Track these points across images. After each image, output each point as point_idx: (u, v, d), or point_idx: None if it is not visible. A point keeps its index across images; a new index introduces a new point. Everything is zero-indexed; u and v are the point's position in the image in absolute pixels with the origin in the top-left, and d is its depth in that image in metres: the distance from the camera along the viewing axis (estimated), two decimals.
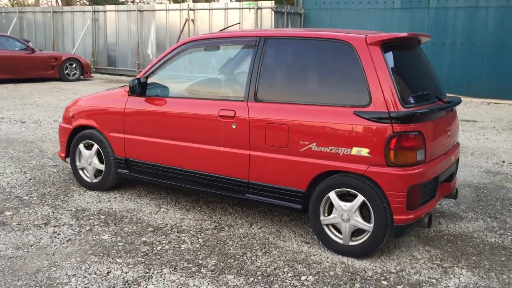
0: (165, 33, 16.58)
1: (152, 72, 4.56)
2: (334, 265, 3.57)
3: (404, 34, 3.68)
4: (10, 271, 3.38)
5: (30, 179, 5.37)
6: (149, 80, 4.56)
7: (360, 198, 3.57)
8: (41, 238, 3.92)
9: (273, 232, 4.13)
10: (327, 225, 3.77)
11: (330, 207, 3.76)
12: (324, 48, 3.80)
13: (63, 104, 10.46)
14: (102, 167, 4.89)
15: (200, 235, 4.04)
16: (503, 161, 6.68)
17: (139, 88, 4.44)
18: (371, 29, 13.68)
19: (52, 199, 4.77)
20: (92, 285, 3.23)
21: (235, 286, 3.26)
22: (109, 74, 18.03)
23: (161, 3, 17.28)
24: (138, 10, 16.96)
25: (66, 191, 5.00)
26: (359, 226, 3.61)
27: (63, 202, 4.70)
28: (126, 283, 3.26)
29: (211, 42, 4.43)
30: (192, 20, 15.82)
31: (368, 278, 3.40)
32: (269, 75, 3.97)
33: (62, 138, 5.19)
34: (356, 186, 3.57)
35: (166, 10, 16.63)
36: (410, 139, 3.44)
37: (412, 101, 3.60)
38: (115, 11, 17.63)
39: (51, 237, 3.93)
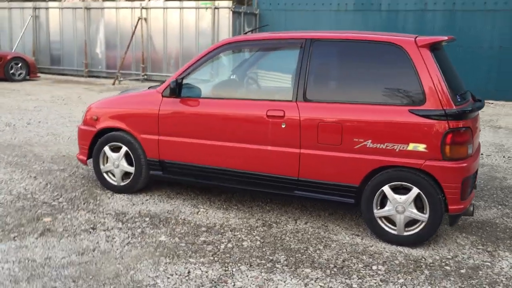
0: (116, 32, 16.16)
1: (188, 73, 4.58)
2: (394, 254, 3.81)
3: (445, 37, 3.98)
4: (90, 276, 3.33)
5: (46, 184, 5.18)
6: (184, 81, 4.57)
7: (415, 191, 3.83)
8: (97, 242, 3.86)
9: (320, 226, 4.31)
10: (380, 218, 4.00)
11: (382, 200, 3.99)
12: (375, 50, 4.03)
13: (25, 106, 10.03)
14: (130, 169, 4.83)
15: (253, 232, 4.14)
16: (481, 153, 7.25)
17: (179, 90, 4.44)
18: (325, 29, 14.18)
19: (84, 204, 4.66)
20: (180, 285, 3.26)
21: (317, 278, 3.41)
22: (53, 74, 17.27)
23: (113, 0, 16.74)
24: (85, 8, 16.39)
25: (93, 195, 4.89)
26: (414, 217, 3.87)
27: (97, 206, 4.61)
28: (213, 281, 3.32)
29: (252, 44, 4.53)
30: (145, 19, 15.55)
31: (431, 265, 3.67)
32: (318, 76, 4.15)
33: (83, 141, 5.06)
34: (411, 179, 3.83)
35: (116, 8, 16.21)
36: (462, 134, 3.75)
37: (459, 99, 3.91)
38: (59, 8, 16.93)
39: (107, 241, 3.88)
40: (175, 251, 3.74)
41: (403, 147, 3.82)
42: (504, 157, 7.02)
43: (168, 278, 3.35)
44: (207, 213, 4.54)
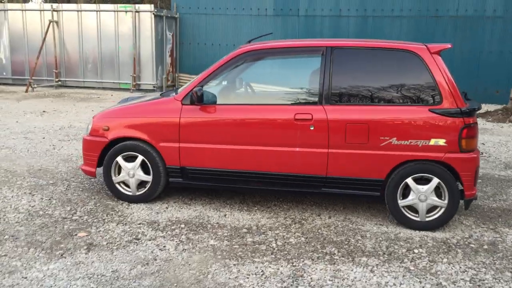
0: (23, 36, 15.17)
1: (207, 81, 4.69)
2: (423, 239, 4.29)
3: (449, 45, 4.54)
4: (174, 284, 3.37)
5: (49, 199, 4.96)
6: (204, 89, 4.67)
7: (435, 181, 4.34)
8: (152, 252, 3.87)
9: (344, 219, 4.67)
10: (403, 207, 4.46)
11: (404, 191, 4.45)
12: (392, 56, 4.48)
13: None
14: (147, 178, 4.81)
15: (291, 230, 4.39)
16: None
17: (201, 98, 4.54)
18: (246, 35, 14.62)
19: (107, 216, 4.57)
20: (264, 283, 3.43)
21: (377, 265, 3.77)
22: None
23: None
24: None
25: (109, 207, 4.80)
26: (435, 204, 4.38)
27: (123, 218, 4.55)
28: (290, 277, 3.53)
29: (273, 52, 4.76)
30: (56, 22, 14.80)
31: (458, 244, 4.20)
32: (342, 80, 4.49)
33: (91, 152, 4.92)
34: (432, 170, 4.34)
35: (23, 10, 15.20)
36: (473, 129, 4.33)
37: (466, 98, 4.50)
38: None
39: (162, 250, 3.90)
40: (235, 253, 3.87)
41: (426, 143, 4.30)
42: None
43: (248, 278, 3.50)
44: (234, 216, 4.69)
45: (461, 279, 3.58)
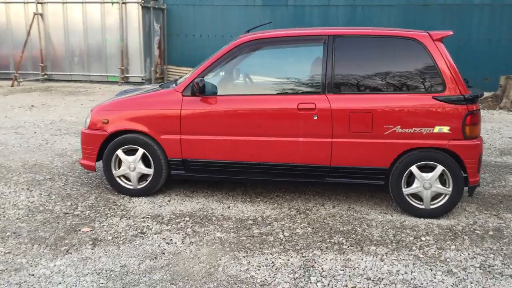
0: (6, 29, 14.88)
1: (208, 72, 4.62)
2: (429, 226, 4.29)
3: (451, 32, 4.53)
4: (185, 278, 3.33)
5: (48, 195, 4.87)
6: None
7: (440, 168, 4.34)
8: (159, 245, 3.82)
9: (348, 209, 4.66)
10: (408, 195, 4.46)
11: (408, 179, 4.44)
12: (395, 44, 4.46)
13: None
14: (148, 171, 4.75)
15: (297, 220, 4.36)
16: None
17: (202, 88, 4.47)
18: (235, 25, 14.52)
19: (109, 210, 4.50)
20: (276, 274, 3.41)
21: (386, 253, 3.76)
22: None
23: None
24: None
25: (110, 201, 4.73)
26: (440, 191, 4.38)
27: (125, 212, 4.48)
28: (301, 268, 3.51)
29: (273, 41, 4.70)
30: (41, 15, 14.54)
31: (463, 231, 4.21)
32: (344, 69, 4.46)
33: (90, 146, 4.83)
34: (436, 158, 4.34)
35: (6, 3, 14.89)
36: (477, 116, 4.34)
37: (468, 85, 4.50)
38: None
39: (168, 244, 3.85)
40: (243, 245, 3.84)
41: (430, 130, 4.29)
42: None
43: (259, 269, 3.47)
44: (237, 207, 4.65)
45: (471, 265, 3.58)
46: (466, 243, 3.96)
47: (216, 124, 4.55)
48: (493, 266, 3.59)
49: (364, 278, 3.38)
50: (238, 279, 3.33)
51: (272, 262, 3.58)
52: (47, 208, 4.53)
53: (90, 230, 4.06)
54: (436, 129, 4.29)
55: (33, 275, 3.34)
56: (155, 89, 4.99)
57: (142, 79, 14.27)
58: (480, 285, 3.31)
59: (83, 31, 14.40)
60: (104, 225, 4.16)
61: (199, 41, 15.08)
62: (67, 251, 3.70)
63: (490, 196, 5.10)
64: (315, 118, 4.40)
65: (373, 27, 5.18)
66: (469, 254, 3.77)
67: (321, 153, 4.46)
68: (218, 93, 4.58)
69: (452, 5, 13.65)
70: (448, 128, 4.28)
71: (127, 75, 14.44)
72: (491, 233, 4.17)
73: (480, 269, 3.53)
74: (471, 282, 3.35)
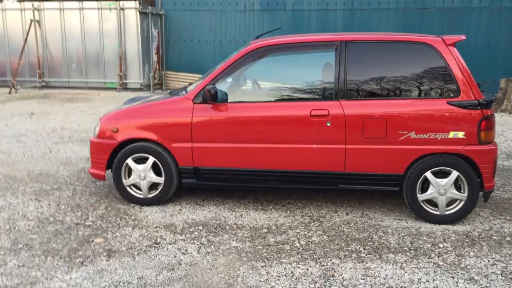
0: (3, 36, 14.76)
1: (219, 79, 4.57)
2: (445, 232, 4.26)
3: (464, 36, 4.50)
4: None
5: (57, 205, 4.80)
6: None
7: (455, 174, 4.31)
8: (175, 256, 3.76)
9: (362, 215, 4.61)
10: (422, 201, 4.42)
11: (422, 185, 4.40)
12: (407, 49, 4.43)
13: None
14: (159, 180, 4.69)
15: (311, 228, 4.31)
16: None
17: (214, 96, 4.42)
18: (234, 30, 14.50)
19: (121, 220, 4.44)
20: (296, 285, 3.36)
21: (405, 261, 3.71)
22: None
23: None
24: None
25: (121, 211, 4.66)
26: (455, 197, 4.35)
27: (137, 221, 4.42)
28: (321, 277, 3.45)
29: (285, 47, 4.66)
30: (38, 21, 14.45)
31: (480, 237, 4.17)
32: (357, 75, 4.42)
33: (100, 155, 4.77)
34: (451, 163, 4.30)
35: (3, 9, 14.78)
36: (491, 120, 4.31)
37: (480, 90, 4.47)
38: None
39: (184, 254, 3.79)
40: (260, 255, 3.78)
41: (445, 136, 4.26)
42: None
43: (278, 280, 3.41)
44: (250, 215, 4.60)
45: (492, 272, 3.55)
46: (485, 249, 3.92)
47: (228, 132, 4.50)
48: None
49: (386, 287, 3.33)
50: None
51: (292, 272, 3.52)
52: (57, 218, 4.45)
53: (104, 241, 4.00)
54: (451, 135, 4.26)
55: None
56: (165, 97, 4.93)
57: (141, 85, 14.20)
58: None
59: (81, 37, 14.32)
60: (117, 236, 4.10)
61: (197, 46, 15.04)
62: (82, 263, 3.63)
63: (502, 200, 5.07)
64: (329, 124, 4.37)
65: (383, 32, 5.14)
66: (489, 261, 3.73)
67: (334, 159, 4.42)
68: (229, 100, 4.53)
69: (450, 8, 13.68)
70: (463, 133, 4.25)
71: (125, 81, 14.37)
72: (508, 238, 4.14)
73: (501, 276, 3.50)
74: None
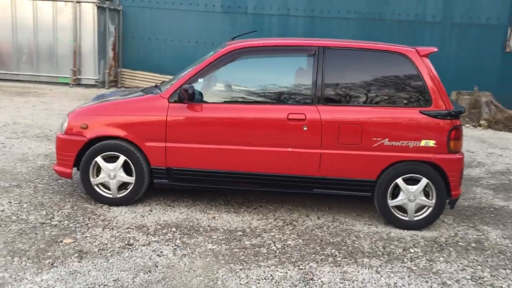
0: None
1: (195, 79, 4.51)
2: (414, 238, 4.36)
3: (436, 48, 4.64)
4: None
5: (19, 203, 4.58)
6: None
7: (424, 181, 4.43)
8: (150, 258, 3.66)
9: (333, 220, 4.66)
10: (393, 207, 4.52)
11: (393, 191, 4.51)
12: (384, 58, 4.52)
13: None
14: (129, 179, 4.57)
15: (285, 232, 4.32)
16: None
17: (191, 96, 4.36)
18: (194, 30, 14.38)
19: (89, 220, 4.28)
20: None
21: (380, 265, 3.78)
22: None
23: None
24: None
25: (88, 210, 4.50)
26: (424, 203, 4.47)
27: (107, 222, 4.28)
28: (301, 281, 3.46)
29: (263, 50, 4.65)
30: None
31: (447, 243, 4.31)
32: (334, 81, 4.48)
33: (67, 152, 4.58)
34: (421, 171, 4.43)
35: None
36: (460, 130, 4.47)
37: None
38: None
39: (160, 256, 3.70)
40: (237, 257, 3.75)
41: (416, 144, 4.38)
42: None
43: (259, 283, 3.39)
44: (222, 218, 4.55)
45: (463, 277, 3.66)
46: (453, 255, 4.05)
47: (204, 132, 4.44)
48: (483, 278, 3.68)
49: None
50: None
51: (271, 275, 3.51)
52: (20, 217, 4.24)
53: (73, 242, 3.84)
54: (423, 143, 4.38)
55: None
56: (139, 94, 4.80)
57: (96, 82, 13.81)
58: None
59: (33, 29, 13.78)
60: (87, 236, 3.95)
61: (155, 45, 14.80)
62: (52, 264, 3.47)
63: (463, 208, 5.26)
64: (305, 128, 4.39)
65: (363, 40, 5.21)
66: (458, 266, 3.85)
67: (310, 163, 4.44)
68: (206, 101, 4.47)
69: (406, 21, 14.13)
70: (434, 142, 4.37)
71: (79, 76, 13.93)
72: (473, 245, 4.29)
73: (472, 281, 3.62)
74: None
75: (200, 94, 4.45)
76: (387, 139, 4.37)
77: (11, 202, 4.56)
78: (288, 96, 4.56)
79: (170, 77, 14.46)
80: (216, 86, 4.72)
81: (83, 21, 13.70)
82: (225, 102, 4.58)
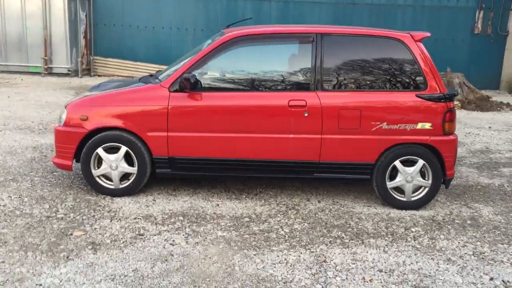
0: None
1: (196, 67, 4.52)
2: (413, 217, 4.53)
3: (429, 34, 4.77)
4: (207, 279, 3.26)
5: (19, 197, 4.53)
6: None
7: (421, 162, 4.59)
8: (164, 247, 3.70)
9: (333, 203, 4.78)
10: (391, 188, 4.67)
11: (391, 173, 4.65)
12: (380, 44, 4.62)
13: None
14: (132, 170, 4.57)
15: (290, 216, 4.41)
16: None
17: (192, 84, 4.37)
18: (167, 16, 14.20)
19: (95, 212, 4.27)
20: (293, 271, 3.44)
21: (386, 245, 3.92)
22: None
23: None
24: None
25: (91, 202, 4.48)
26: (421, 184, 4.64)
27: (113, 213, 4.28)
28: (315, 263, 3.56)
29: (261, 37, 4.68)
30: None
31: (444, 221, 4.49)
32: (333, 67, 4.56)
33: (66, 144, 4.54)
34: (418, 153, 4.58)
35: None
36: (454, 113, 4.63)
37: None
38: None
39: (173, 245, 3.74)
40: (249, 243, 3.82)
41: (413, 127, 4.52)
42: None
43: (275, 267, 3.48)
44: (226, 205, 4.61)
45: (465, 253, 3.84)
46: (452, 232, 4.23)
47: (206, 121, 4.46)
48: (483, 253, 3.87)
49: (377, 270, 3.50)
50: (260, 278, 3.31)
51: (285, 259, 3.60)
52: (24, 212, 4.20)
53: (84, 234, 3.83)
54: (419, 126, 4.52)
55: (41, 285, 3.10)
56: (137, 84, 4.78)
57: (69, 70, 13.53)
58: (480, 271, 3.56)
59: (1, 17, 13.35)
60: (96, 228, 3.94)
61: (128, 31, 14.55)
62: (67, 257, 3.47)
63: (452, 187, 5.46)
64: (306, 114, 4.46)
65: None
66: (459, 242, 4.03)
67: (310, 149, 4.53)
68: (207, 89, 4.49)
69: (378, 4, 14.31)
70: (429, 124, 4.52)
71: (51, 65, 13.62)
72: (469, 222, 4.49)
73: (474, 256, 3.79)
74: (472, 269, 3.59)
75: (201, 82, 4.45)
76: (385, 123, 4.50)
77: (11, 197, 4.50)
78: (288, 83, 4.62)
79: (144, 64, 14.45)
80: (217, 75, 4.73)
81: (53, 8, 13.36)
82: (226, 90, 4.60)
